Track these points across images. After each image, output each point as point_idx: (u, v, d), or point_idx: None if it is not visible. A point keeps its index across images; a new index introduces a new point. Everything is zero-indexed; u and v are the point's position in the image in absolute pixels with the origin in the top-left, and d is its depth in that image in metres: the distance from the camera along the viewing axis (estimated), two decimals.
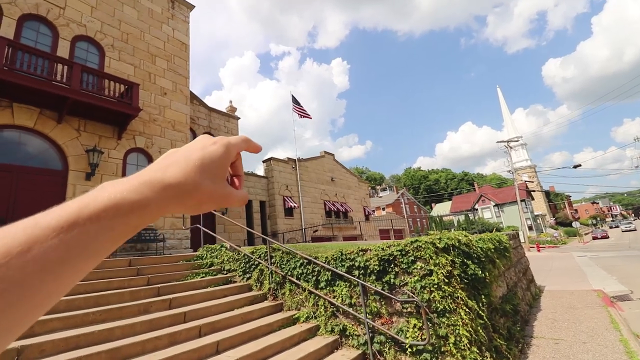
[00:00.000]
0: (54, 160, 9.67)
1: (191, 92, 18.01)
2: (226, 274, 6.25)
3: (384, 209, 57.67)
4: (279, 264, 5.55)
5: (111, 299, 4.31)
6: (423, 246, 4.15)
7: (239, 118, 21.03)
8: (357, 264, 4.52)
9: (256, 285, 5.74)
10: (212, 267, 6.41)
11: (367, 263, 4.42)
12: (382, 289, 4.23)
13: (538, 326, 6.46)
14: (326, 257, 4.87)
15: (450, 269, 4.10)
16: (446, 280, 3.98)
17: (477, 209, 58.11)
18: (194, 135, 17.40)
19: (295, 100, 23.20)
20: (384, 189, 74.99)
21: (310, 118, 23.47)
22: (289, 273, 5.30)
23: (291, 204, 22.08)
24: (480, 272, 4.53)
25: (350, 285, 4.57)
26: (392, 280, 4.22)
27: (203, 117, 18.69)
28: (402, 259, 4.21)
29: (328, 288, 4.76)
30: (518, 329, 5.61)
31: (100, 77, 10.22)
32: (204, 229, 7.69)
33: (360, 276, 4.47)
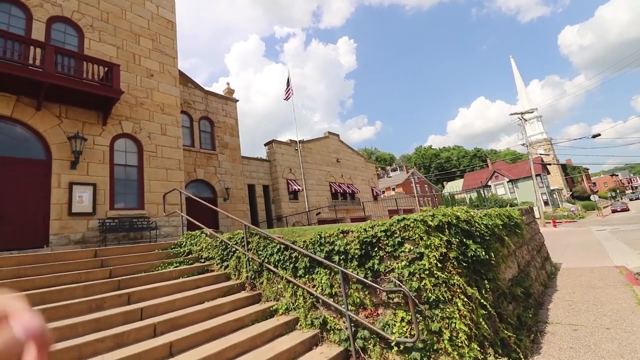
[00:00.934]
0: (37, 149, 9.24)
1: (186, 75, 17.34)
2: (203, 262, 5.75)
3: (394, 189, 56.77)
4: (255, 250, 4.99)
5: (60, 295, 3.84)
6: (412, 225, 3.48)
7: (237, 100, 20.33)
8: (337, 248, 3.90)
9: (234, 274, 5.22)
10: (190, 256, 5.91)
11: (348, 247, 3.80)
12: (364, 277, 3.61)
13: (554, 309, 5.78)
14: (304, 242, 4.26)
15: (445, 250, 3.42)
16: (439, 265, 3.32)
17: (490, 186, 56.49)
18: (190, 119, 16.87)
19: (289, 81, 22.37)
20: (394, 169, 73.77)
21: (292, 94, 22.69)
22: (266, 260, 4.74)
23: (295, 187, 21.58)
24: (483, 253, 3.84)
25: (331, 272, 3.97)
26: (376, 267, 3.59)
27: (199, 101, 18.04)
28: (387, 241, 3.56)
29: (307, 276, 4.18)
30: (530, 314, 4.96)
31: (78, 59, 9.61)
32: (186, 216, 7.18)
33: (341, 262, 3.85)
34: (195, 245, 6.15)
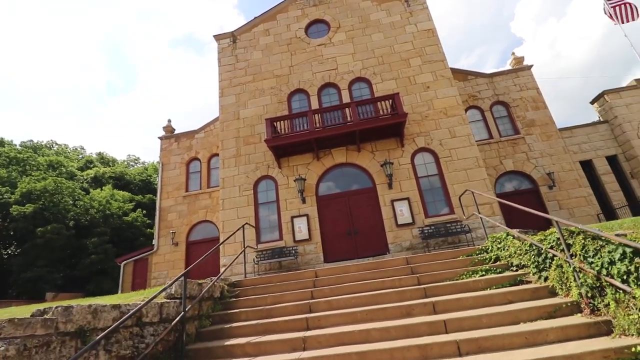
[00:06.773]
0: (366, 180, 12.18)
1: (463, 70, 16.72)
2: (515, 270, 4.65)
3: None
4: (582, 257, 3.35)
5: (380, 298, 4.49)
6: None
7: (530, 66, 16.78)
8: None
9: (561, 289, 3.78)
10: (497, 263, 5.03)
11: None
12: None
13: None
14: None
15: None
16: None
17: None
18: (481, 111, 15.78)
19: None
20: None
21: (627, 11, 13.35)
22: (604, 271, 3.02)
23: None
24: None
25: None
26: None
27: (485, 88, 16.62)
28: None
29: None
30: None
31: (371, 102, 11.99)
32: (485, 217, 6.37)
33: None
34: (503, 249, 5.23)
